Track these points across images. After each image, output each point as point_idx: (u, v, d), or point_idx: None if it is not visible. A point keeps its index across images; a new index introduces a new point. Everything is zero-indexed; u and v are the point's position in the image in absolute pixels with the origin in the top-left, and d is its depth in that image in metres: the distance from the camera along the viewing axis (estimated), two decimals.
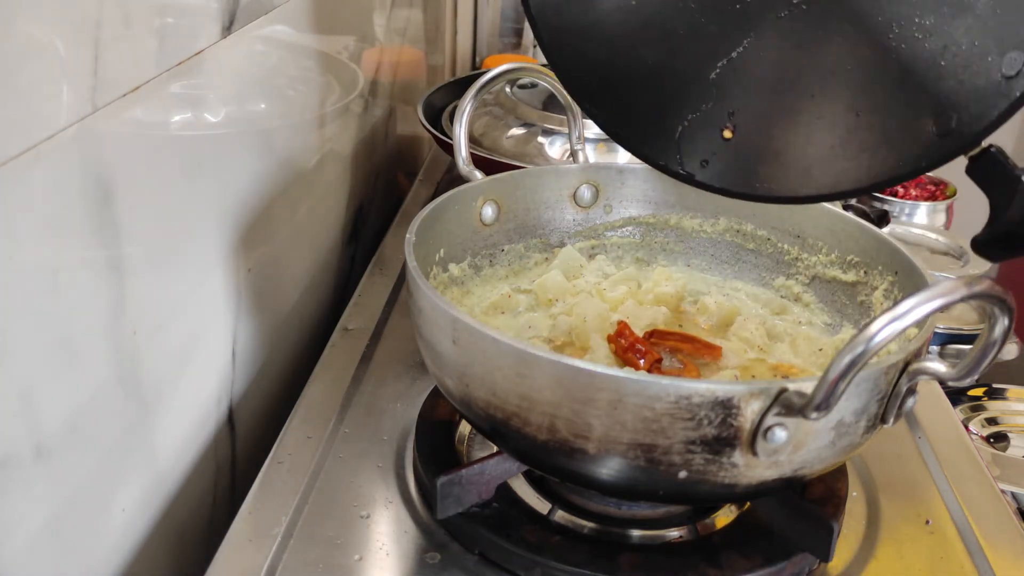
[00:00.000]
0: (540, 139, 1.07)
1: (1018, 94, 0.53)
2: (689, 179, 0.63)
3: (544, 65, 0.72)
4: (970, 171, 0.55)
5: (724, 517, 0.63)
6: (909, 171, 0.57)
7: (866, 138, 0.57)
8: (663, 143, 0.64)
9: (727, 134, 0.61)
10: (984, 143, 0.54)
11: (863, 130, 0.57)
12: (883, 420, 0.53)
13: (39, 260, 0.48)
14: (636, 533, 0.61)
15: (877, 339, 0.43)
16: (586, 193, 0.78)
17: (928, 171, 0.56)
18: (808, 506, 0.59)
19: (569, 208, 0.79)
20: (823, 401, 0.46)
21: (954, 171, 0.59)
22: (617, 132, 0.66)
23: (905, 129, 0.56)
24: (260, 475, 0.65)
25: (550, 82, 0.76)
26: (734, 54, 0.60)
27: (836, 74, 0.57)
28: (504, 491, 0.62)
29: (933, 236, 1.32)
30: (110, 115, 0.52)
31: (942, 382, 0.57)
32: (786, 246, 0.75)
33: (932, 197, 1.53)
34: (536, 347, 0.51)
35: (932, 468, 0.70)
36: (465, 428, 0.70)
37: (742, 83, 0.61)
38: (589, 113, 0.67)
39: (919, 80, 0.54)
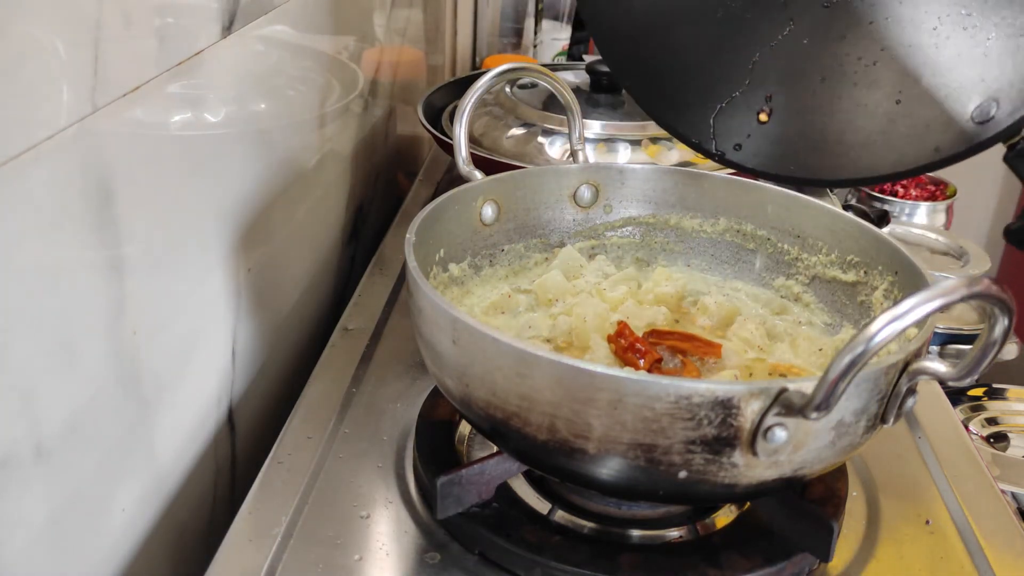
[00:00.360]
0: (540, 139, 1.07)
1: None
2: (722, 158, 0.63)
3: (544, 65, 0.72)
4: (1008, 159, 0.55)
5: (724, 517, 0.63)
6: (947, 158, 0.57)
7: (906, 125, 0.58)
8: (698, 123, 0.64)
9: (763, 117, 0.62)
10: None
11: (903, 118, 0.58)
12: (883, 420, 0.53)
13: (39, 260, 0.48)
14: (636, 533, 0.61)
15: (877, 339, 0.43)
16: (586, 193, 0.78)
17: (965, 158, 0.56)
18: (808, 506, 0.59)
19: (569, 208, 0.78)
20: (823, 401, 0.46)
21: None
22: (654, 110, 0.66)
23: (945, 117, 0.56)
24: (260, 475, 0.65)
25: (550, 82, 0.76)
26: (776, 41, 0.60)
27: (880, 63, 0.58)
28: (504, 491, 0.62)
29: (933, 236, 1.32)
30: (110, 115, 0.52)
31: (942, 382, 0.57)
32: (786, 246, 0.75)
33: (932, 197, 1.53)
34: (536, 347, 0.51)
35: (932, 468, 0.70)
36: (465, 428, 0.70)
37: (782, 69, 0.61)
38: (629, 90, 0.67)
39: (962, 70, 0.55)
